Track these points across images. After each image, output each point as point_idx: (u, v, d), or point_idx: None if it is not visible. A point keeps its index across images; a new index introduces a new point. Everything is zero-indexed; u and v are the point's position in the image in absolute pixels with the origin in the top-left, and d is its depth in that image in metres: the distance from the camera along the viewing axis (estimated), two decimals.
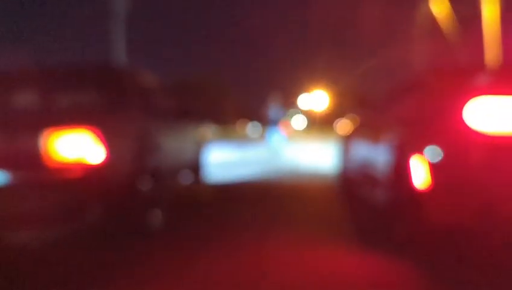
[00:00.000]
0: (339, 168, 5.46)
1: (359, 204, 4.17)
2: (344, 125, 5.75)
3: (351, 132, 4.98)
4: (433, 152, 2.49)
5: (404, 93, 3.68)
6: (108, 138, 2.73)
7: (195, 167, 5.30)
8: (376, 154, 3.53)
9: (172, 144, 4.10)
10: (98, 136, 2.68)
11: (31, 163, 2.61)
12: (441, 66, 4.49)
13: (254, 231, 3.26)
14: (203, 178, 5.65)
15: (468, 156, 2.29)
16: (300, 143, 20.94)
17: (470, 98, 2.34)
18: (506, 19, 14.47)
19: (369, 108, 4.47)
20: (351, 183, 4.68)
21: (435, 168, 2.45)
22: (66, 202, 2.68)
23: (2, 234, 3.03)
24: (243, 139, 27.79)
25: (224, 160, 9.90)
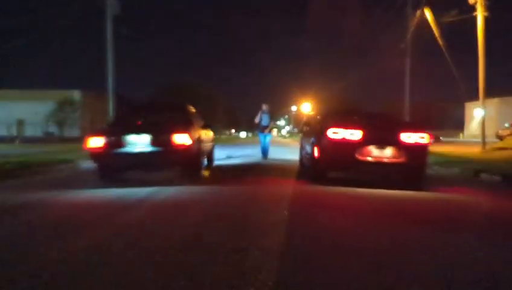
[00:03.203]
0: (299, 154, 9.79)
1: (304, 167, 8.49)
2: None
3: (305, 133, 9.30)
4: (320, 144, 6.78)
5: (315, 122, 8.05)
6: (191, 136, 6.89)
7: (210, 155, 9.44)
8: (308, 145, 7.84)
9: (204, 141, 8.25)
10: (189, 136, 6.84)
11: (166, 143, 6.74)
12: (327, 112, 8.91)
13: (249, 178, 7.47)
14: (213, 162, 9.78)
15: (329, 145, 6.56)
16: (284, 145, 25.35)
17: (330, 126, 6.63)
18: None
19: (308, 125, 8.85)
20: (302, 159, 9.00)
21: (319, 148, 6.74)
22: (177, 160, 6.86)
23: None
24: (236, 142, 32.15)
25: (225, 154, 14.12)
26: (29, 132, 37.37)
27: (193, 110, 8.57)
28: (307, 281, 2.20)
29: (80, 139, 33.28)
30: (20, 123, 39.95)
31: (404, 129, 6.28)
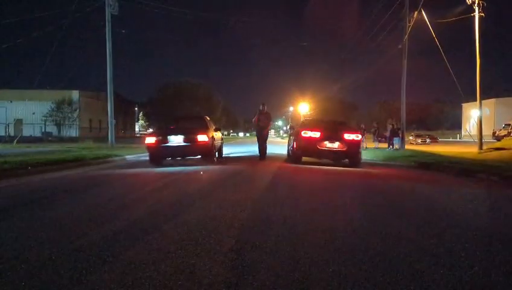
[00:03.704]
0: (287, 148, 13.25)
1: (289, 156, 11.99)
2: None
3: (291, 134, 12.74)
4: (297, 140, 10.27)
5: (296, 127, 11.58)
6: (208, 135, 10.35)
7: (220, 150, 12.89)
8: (291, 141, 11.33)
9: (216, 139, 11.67)
10: (207, 136, 10.30)
11: (193, 140, 10.20)
12: (303, 121, 12.49)
13: (250, 162, 10.92)
14: (222, 155, 13.24)
15: (302, 140, 10.10)
16: (280, 144, 28.90)
17: (303, 129, 10.18)
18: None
19: (293, 128, 12.36)
20: (288, 151, 12.47)
21: (297, 143, 10.26)
22: (199, 151, 10.34)
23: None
24: (235, 142, 35.62)
25: (226, 152, 17.56)
26: (27, 132, 36.22)
27: (208, 118, 12.09)
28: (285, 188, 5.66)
29: (80, 139, 35.26)
30: (18, 123, 38.44)
31: (346, 131, 9.89)
